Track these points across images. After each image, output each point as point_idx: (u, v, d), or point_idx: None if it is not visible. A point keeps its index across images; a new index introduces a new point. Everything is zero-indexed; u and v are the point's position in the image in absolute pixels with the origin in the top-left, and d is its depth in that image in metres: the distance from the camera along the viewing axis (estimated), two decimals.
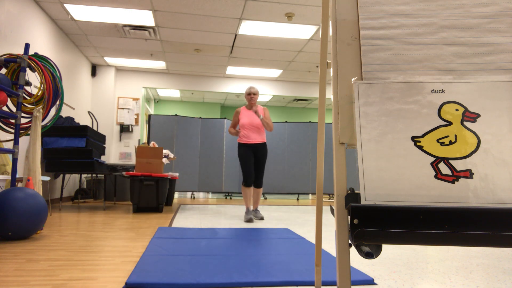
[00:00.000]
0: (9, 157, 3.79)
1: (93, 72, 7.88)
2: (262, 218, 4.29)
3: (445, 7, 1.13)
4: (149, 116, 7.45)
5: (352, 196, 1.00)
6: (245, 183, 4.27)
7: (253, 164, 4.30)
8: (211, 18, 5.51)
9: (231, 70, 8.19)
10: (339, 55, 1.12)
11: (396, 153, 1.01)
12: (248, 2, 4.98)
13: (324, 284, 1.70)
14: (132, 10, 5.27)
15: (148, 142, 6.55)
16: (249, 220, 4.09)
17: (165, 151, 5.55)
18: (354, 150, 1.03)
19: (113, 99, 8.01)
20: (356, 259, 2.20)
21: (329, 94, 1.18)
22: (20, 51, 4.49)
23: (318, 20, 5.55)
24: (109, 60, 7.62)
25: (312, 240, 2.92)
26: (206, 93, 10.29)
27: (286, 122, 8.10)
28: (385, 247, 2.63)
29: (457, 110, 1.03)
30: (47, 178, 4.06)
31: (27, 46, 3.36)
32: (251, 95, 4.37)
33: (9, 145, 4.07)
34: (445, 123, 1.02)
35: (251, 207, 4.32)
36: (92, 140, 5.24)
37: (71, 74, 6.61)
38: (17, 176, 3.48)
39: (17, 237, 2.71)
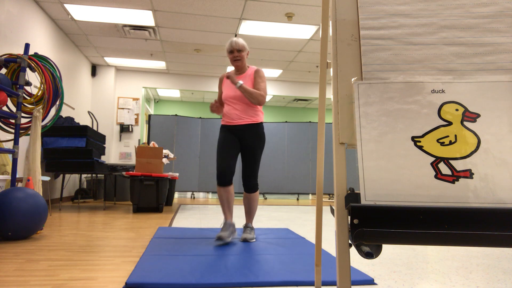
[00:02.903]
0: (9, 157, 3.79)
1: (93, 72, 7.88)
2: (247, 240, 2.77)
3: (445, 7, 1.13)
4: (149, 116, 7.45)
5: (352, 196, 1.00)
6: (217, 181, 2.80)
7: (231, 154, 2.81)
8: (211, 18, 5.51)
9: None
10: (339, 55, 1.12)
11: (396, 153, 1.01)
12: (248, 2, 4.98)
13: (324, 284, 1.69)
14: (132, 10, 5.27)
15: (148, 142, 6.55)
16: (218, 238, 2.63)
17: (165, 151, 5.55)
18: (354, 150, 1.03)
19: (113, 99, 8.01)
20: (356, 259, 2.20)
21: (329, 94, 1.17)
22: (20, 51, 4.49)
23: (318, 20, 5.55)
24: (109, 60, 7.62)
25: (312, 240, 2.92)
26: (206, 93, 10.29)
27: (286, 122, 8.10)
28: (385, 247, 2.63)
29: (457, 110, 1.03)
30: (47, 178, 4.06)
31: (27, 46, 3.36)
32: (234, 53, 2.84)
33: (9, 145, 4.07)
34: (445, 123, 1.02)
35: (230, 219, 2.83)
36: (92, 140, 5.24)
37: (71, 74, 6.61)
38: (17, 176, 3.48)
39: (17, 237, 2.71)
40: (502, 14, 1.10)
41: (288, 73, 8.41)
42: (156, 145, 5.51)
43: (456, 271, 2.03)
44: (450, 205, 0.95)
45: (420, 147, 1.01)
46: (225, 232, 2.67)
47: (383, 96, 1.06)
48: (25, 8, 4.74)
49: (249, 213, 2.96)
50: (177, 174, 5.72)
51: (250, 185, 2.88)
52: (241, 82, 2.76)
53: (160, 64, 7.89)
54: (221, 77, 3.08)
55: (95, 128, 7.62)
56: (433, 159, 0.99)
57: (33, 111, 3.28)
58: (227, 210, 2.84)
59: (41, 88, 3.39)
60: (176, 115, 7.49)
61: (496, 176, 0.96)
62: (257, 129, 2.85)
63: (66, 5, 5.14)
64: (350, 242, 0.97)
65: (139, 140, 8.16)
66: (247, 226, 2.93)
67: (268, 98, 10.81)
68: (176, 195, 8.80)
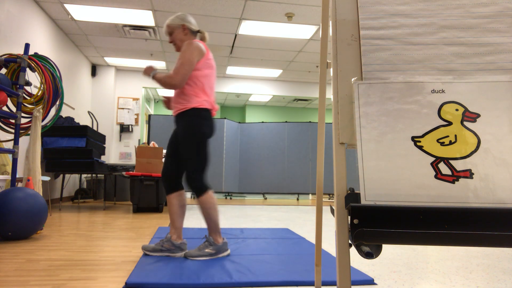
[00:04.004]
0: (9, 157, 3.79)
1: (93, 72, 7.88)
2: (186, 256, 2.23)
3: (445, 7, 1.13)
4: (149, 116, 7.45)
5: (352, 196, 1.00)
6: None
7: (169, 156, 2.41)
8: (211, 18, 5.51)
9: (231, 70, 8.19)
10: (339, 55, 1.12)
11: (396, 153, 1.01)
12: (248, 2, 4.98)
13: (324, 284, 1.69)
14: (132, 10, 5.27)
15: (148, 142, 6.54)
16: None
17: (165, 151, 5.54)
18: (354, 150, 1.03)
19: (113, 99, 8.01)
20: (356, 259, 2.20)
21: (329, 94, 1.18)
22: (20, 51, 4.49)
23: (318, 20, 5.54)
24: (109, 60, 7.62)
25: (312, 240, 2.92)
26: None
27: (286, 122, 8.10)
28: (385, 247, 2.63)
29: (457, 110, 1.03)
30: (47, 178, 4.06)
31: (27, 46, 3.36)
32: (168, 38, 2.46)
33: (9, 145, 4.07)
34: (445, 123, 1.02)
35: (174, 235, 2.32)
36: (92, 140, 5.24)
37: (71, 74, 6.61)
38: (17, 176, 3.49)
39: (17, 237, 2.71)
40: (502, 14, 1.10)
41: (288, 73, 8.40)
42: (156, 145, 5.51)
43: (456, 271, 2.03)
44: (450, 205, 0.95)
45: (420, 147, 1.01)
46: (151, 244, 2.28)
47: (383, 96, 1.06)
48: (25, 8, 4.74)
49: (207, 222, 2.32)
50: None
51: (191, 188, 2.28)
52: (152, 74, 2.26)
53: (160, 64, 7.89)
54: None
55: (95, 128, 7.61)
56: (433, 159, 0.99)
57: (33, 111, 3.28)
58: (175, 219, 2.34)
59: (41, 88, 3.38)
60: None
61: (496, 176, 0.96)
62: (185, 116, 2.27)
63: (66, 5, 5.14)
64: (350, 242, 0.97)
65: (139, 140, 8.16)
66: (205, 239, 2.31)
67: (268, 98, 10.79)
68: None
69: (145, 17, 5.52)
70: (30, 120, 3.36)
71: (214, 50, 6.94)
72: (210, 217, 2.28)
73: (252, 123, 8.11)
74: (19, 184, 3.43)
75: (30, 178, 3.07)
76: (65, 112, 6.29)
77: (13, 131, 3.39)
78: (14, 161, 3.11)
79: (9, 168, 3.70)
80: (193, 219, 4.19)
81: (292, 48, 6.74)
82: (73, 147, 5.01)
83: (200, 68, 2.28)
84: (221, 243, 2.29)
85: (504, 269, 2.09)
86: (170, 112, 11.11)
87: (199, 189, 2.27)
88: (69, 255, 2.25)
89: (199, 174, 2.27)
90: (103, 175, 6.58)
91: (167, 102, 2.49)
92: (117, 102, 8.14)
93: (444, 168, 0.98)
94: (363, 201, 0.97)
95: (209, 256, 2.23)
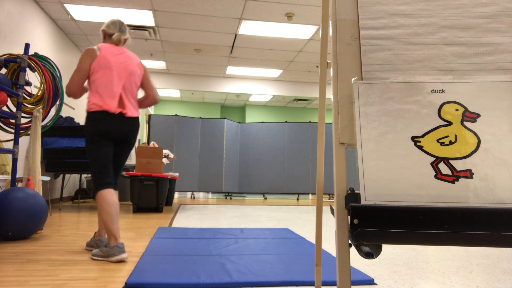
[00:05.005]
0: (9, 157, 3.79)
1: None
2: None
3: (445, 7, 1.13)
4: (149, 116, 7.45)
5: (352, 196, 1.00)
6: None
7: None
8: (211, 18, 5.51)
9: (231, 70, 8.19)
10: (339, 55, 1.12)
11: (396, 153, 1.01)
12: (248, 2, 4.98)
13: (324, 284, 1.69)
14: (132, 10, 5.27)
15: (148, 142, 6.54)
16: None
17: (165, 151, 5.54)
18: (354, 150, 1.03)
19: None
20: (356, 259, 2.20)
21: (329, 94, 1.18)
22: (20, 51, 4.49)
23: (318, 20, 5.55)
24: None
25: (312, 240, 2.92)
26: (206, 93, 10.28)
27: (286, 122, 8.10)
28: (385, 247, 2.63)
29: (457, 110, 1.03)
30: (47, 178, 4.06)
31: (27, 46, 3.36)
32: None
33: (9, 145, 4.07)
34: (445, 123, 1.02)
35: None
36: None
37: (71, 74, 6.61)
38: (17, 176, 3.48)
39: (17, 237, 2.71)
40: (502, 14, 1.10)
41: (288, 73, 8.40)
42: (156, 145, 5.51)
43: (456, 271, 2.03)
44: (450, 205, 0.95)
45: (420, 147, 1.01)
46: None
47: (383, 96, 1.06)
48: (25, 8, 4.74)
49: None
50: (177, 174, 5.72)
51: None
52: None
53: (160, 64, 7.89)
54: None
55: None
56: (433, 159, 0.99)
57: (33, 111, 3.27)
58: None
59: (41, 88, 3.38)
60: (176, 115, 7.49)
61: (496, 176, 0.96)
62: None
63: (66, 5, 5.14)
64: (350, 242, 0.97)
65: (139, 140, 8.15)
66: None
67: (268, 98, 10.81)
68: (176, 195, 8.80)
69: (145, 17, 5.52)
70: (30, 120, 3.36)
71: (214, 50, 6.94)
72: (100, 216, 2.24)
73: (252, 123, 8.11)
74: (19, 184, 3.43)
75: (30, 178, 3.07)
76: (65, 112, 6.29)
77: (13, 131, 3.39)
78: (14, 161, 3.11)
79: (9, 168, 3.70)
80: (193, 219, 4.19)
81: (292, 48, 6.74)
82: (73, 147, 5.01)
83: (93, 71, 2.35)
84: (113, 246, 2.16)
85: (504, 269, 2.09)
86: (170, 112, 11.11)
87: (94, 188, 2.30)
88: (69, 255, 2.25)
89: (94, 175, 2.29)
90: None
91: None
92: None
93: (444, 168, 0.98)
94: (363, 201, 0.97)
95: (100, 257, 2.17)
